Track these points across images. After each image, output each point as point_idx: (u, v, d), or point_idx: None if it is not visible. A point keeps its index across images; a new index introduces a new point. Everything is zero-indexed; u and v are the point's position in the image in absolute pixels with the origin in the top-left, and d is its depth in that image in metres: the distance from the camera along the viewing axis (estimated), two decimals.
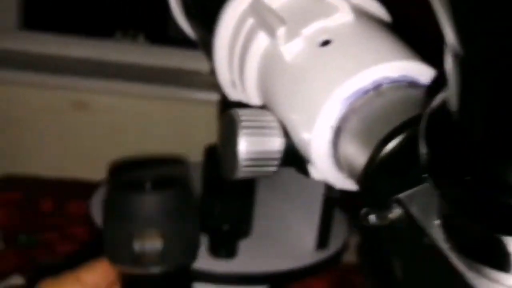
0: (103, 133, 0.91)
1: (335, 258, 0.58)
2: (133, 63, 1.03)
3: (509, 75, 0.13)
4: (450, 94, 0.15)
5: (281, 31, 0.28)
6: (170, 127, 0.93)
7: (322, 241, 0.56)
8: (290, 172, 0.63)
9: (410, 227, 0.19)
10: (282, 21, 0.28)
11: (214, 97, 0.93)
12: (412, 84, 0.26)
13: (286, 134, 0.28)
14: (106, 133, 0.92)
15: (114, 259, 0.36)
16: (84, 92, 0.90)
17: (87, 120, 0.91)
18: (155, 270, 0.35)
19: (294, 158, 0.29)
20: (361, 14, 0.29)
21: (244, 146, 0.27)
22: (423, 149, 0.17)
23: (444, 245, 0.17)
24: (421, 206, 0.19)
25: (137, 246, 0.35)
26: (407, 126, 0.22)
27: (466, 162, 0.15)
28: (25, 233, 0.63)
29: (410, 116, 0.23)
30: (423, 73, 0.26)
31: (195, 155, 0.65)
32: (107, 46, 1.05)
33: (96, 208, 0.59)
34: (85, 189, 0.67)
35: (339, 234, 0.60)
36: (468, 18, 0.14)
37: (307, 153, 0.27)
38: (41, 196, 0.74)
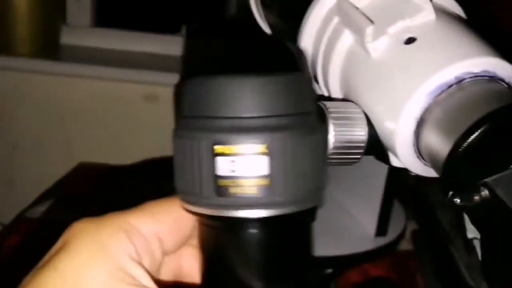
0: (171, 124, 0.96)
1: (393, 245, 0.60)
2: None
3: None
4: None
5: (369, 30, 0.30)
6: None
7: (382, 228, 0.59)
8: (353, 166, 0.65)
9: (497, 207, 0.21)
10: (369, 20, 0.31)
11: None
12: (492, 78, 0.28)
13: (369, 124, 0.31)
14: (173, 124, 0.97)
15: (184, 192, 0.23)
16: (153, 85, 0.95)
17: (157, 111, 0.96)
18: (251, 209, 0.22)
19: (376, 147, 0.31)
20: (443, 12, 0.31)
21: (333, 135, 0.30)
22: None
23: None
24: (506, 189, 0.21)
25: (221, 167, 0.21)
26: (491, 117, 0.24)
27: None
28: None
29: (490, 108, 0.25)
30: (503, 68, 0.28)
31: None
32: (173, 41, 1.09)
33: None
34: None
35: (397, 223, 0.62)
36: None
37: (390, 142, 0.30)
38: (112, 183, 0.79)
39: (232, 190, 0.21)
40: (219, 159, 0.21)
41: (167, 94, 0.96)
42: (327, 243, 0.57)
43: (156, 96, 0.96)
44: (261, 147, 0.21)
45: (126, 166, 0.90)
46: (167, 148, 0.94)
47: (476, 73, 0.27)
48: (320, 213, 0.60)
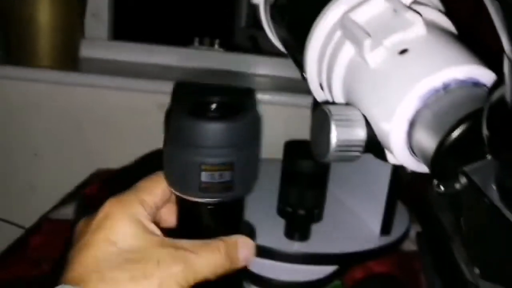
0: None
1: (397, 244, 0.63)
2: (208, 67, 1.12)
3: None
4: (506, 89, 0.21)
5: (367, 42, 0.34)
6: None
7: (386, 227, 0.62)
8: (359, 166, 0.69)
9: (473, 192, 0.25)
10: (367, 34, 0.35)
11: (284, 98, 1.00)
12: (475, 84, 0.31)
13: (368, 125, 0.35)
14: None
15: (176, 185, 0.36)
16: (167, 95, 1.00)
17: None
18: (219, 198, 0.35)
19: (374, 146, 0.35)
20: (433, 26, 0.35)
21: (335, 134, 0.34)
22: (485, 130, 0.23)
23: (499, 204, 0.23)
24: (482, 176, 0.25)
25: (205, 177, 0.34)
26: (471, 116, 0.28)
27: None
28: None
29: (473, 109, 0.29)
30: (485, 75, 0.32)
31: (271, 153, 0.73)
32: (186, 53, 1.14)
33: None
34: None
35: (401, 223, 0.66)
36: None
37: (386, 141, 0.33)
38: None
39: (209, 189, 0.36)
40: (203, 173, 0.35)
41: None
42: (334, 241, 0.61)
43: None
44: (228, 167, 0.35)
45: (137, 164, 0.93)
46: None
47: (461, 79, 0.31)
48: (327, 213, 0.64)
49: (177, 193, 0.37)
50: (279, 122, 0.99)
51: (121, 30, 1.15)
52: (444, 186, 0.26)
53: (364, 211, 0.65)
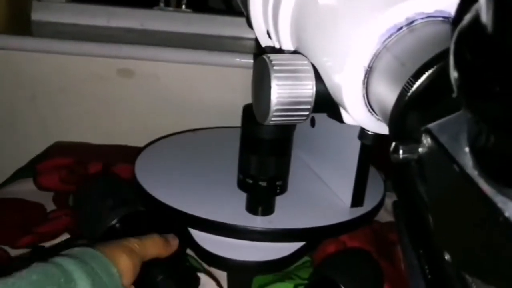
0: (147, 99, 0.94)
1: (370, 216, 0.58)
2: (175, 31, 1.04)
3: None
4: (481, 5, 0.15)
5: None
6: (212, 92, 0.94)
7: (358, 199, 0.56)
8: (326, 130, 0.62)
9: (440, 156, 0.18)
10: None
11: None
12: (448, 19, 0.25)
13: (318, 77, 0.28)
14: (150, 99, 0.94)
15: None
16: (129, 60, 0.92)
17: (132, 86, 0.93)
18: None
19: (326, 103, 0.28)
20: None
21: (276, 91, 0.27)
22: (453, 71, 0.16)
23: (473, 171, 0.17)
24: (451, 135, 0.18)
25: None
26: (438, 60, 0.22)
27: (501, 75, 0.14)
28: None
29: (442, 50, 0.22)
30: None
31: (235, 119, 0.66)
32: (149, 15, 1.06)
33: (141, 171, 0.61)
34: (132, 154, 0.69)
35: (375, 192, 0.60)
36: None
37: (339, 95, 0.27)
38: (89, 160, 0.77)
39: None
40: None
41: (142, 69, 0.93)
42: (302, 214, 0.55)
43: (131, 71, 0.93)
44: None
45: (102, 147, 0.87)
46: (141, 124, 0.91)
47: (429, 13, 0.25)
48: (295, 184, 0.58)
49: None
50: (246, 86, 0.92)
51: None
52: (403, 150, 0.20)
53: (333, 181, 0.59)
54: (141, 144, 0.75)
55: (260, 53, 0.30)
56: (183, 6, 1.11)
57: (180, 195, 0.55)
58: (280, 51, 0.32)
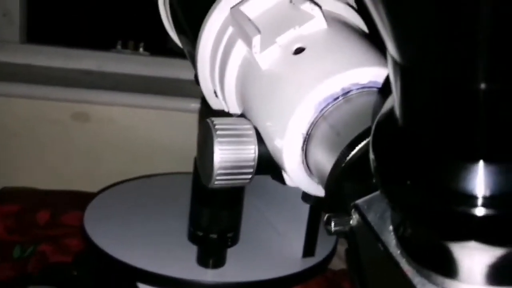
0: (102, 144, 0.92)
1: (323, 265, 0.58)
2: (133, 73, 1.04)
3: (445, 81, 0.14)
4: (395, 100, 0.15)
5: (256, 40, 0.28)
6: (169, 137, 0.93)
7: (310, 249, 0.56)
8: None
9: (367, 233, 0.19)
10: (257, 30, 0.29)
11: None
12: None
13: (261, 141, 0.29)
14: (105, 144, 0.93)
15: None
16: (84, 104, 0.91)
17: (88, 131, 0.92)
18: None
19: (269, 166, 0.29)
20: (335, 21, 0.29)
21: (219, 155, 0.27)
22: (372, 157, 0.17)
23: (395, 250, 0.17)
24: (377, 213, 0.19)
25: None
26: (370, 133, 0.22)
27: (412, 168, 0.15)
28: (21, 245, 0.63)
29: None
30: None
31: (192, 164, 0.66)
32: (107, 57, 1.06)
33: (90, 220, 0.59)
34: (84, 200, 0.67)
35: (327, 241, 0.60)
36: (405, 32, 0.14)
37: (281, 159, 0.27)
38: (38, 208, 0.74)
39: None
40: None
41: (97, 113, 0.92)
42: (253, 266, 0.54)
43: (87, 115, 0.92)
44: None
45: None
46: (95, 169, 0.88)
47: (364, 84, 0.26)
48: (248, 233, 0.58)
49: None
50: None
51: (35, 33, 1.05)
52: (335, 223, 0.20)
53: (286, 230, 0.59)
54: (96, 189, 0.74)
55: (206, 111, 0.31)
56: (141, 49, 1.12)
57: (130, 248, 0.54)
58: (227, 114, 0.33)
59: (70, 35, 1.09)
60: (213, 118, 0.29)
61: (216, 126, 0.28)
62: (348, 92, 0.25)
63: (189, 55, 0.43)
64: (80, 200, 0.71)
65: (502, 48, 0.12)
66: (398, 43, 0.14)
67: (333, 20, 0.29)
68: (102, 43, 1.07)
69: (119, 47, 1.10)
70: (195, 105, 0.92)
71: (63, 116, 0.91)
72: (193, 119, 0.92)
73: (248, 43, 0.29)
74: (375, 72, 0.26)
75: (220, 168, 0.28)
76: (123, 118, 0.92)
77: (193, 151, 0.74)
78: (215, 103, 0.36)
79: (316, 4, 0.29)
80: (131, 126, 0.92)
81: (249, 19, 0.30)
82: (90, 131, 0.91)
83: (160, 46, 1.24)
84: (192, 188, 0.54)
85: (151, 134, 0.92)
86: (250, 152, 0.28)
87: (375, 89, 0.26)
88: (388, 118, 0.16)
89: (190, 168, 0.79)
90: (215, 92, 0.35)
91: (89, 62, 1.03)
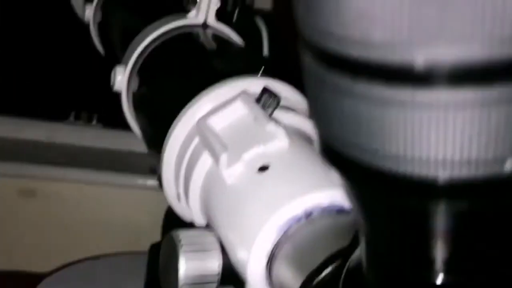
0: (50, 221, 0.89)
1: None
2: (85, 145, 1.03)
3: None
4: (362, 257, 0.17)
5: (223, 158, 0.30)
6: (120, 214, 0.92)
7: None
8: None
9: None
10: (224, 147, 0.30)
11: None
12: (340, 211, 0.28)
13: (225, 254, 0.30)
14: (54, 221, 0.90)
15: None
16: (31, 179, 0.89)
17: (34, 207, 0.89)
18: None
19: (232, 278, 0.30)
20: (296, 138, 0.31)
21: (184, 270, 0.28)
22: None
23: None
24: None
25: None
26: (334, 259, 0.24)
27: None
28: None
29: (337, 245, 0.25)
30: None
31: (144, 242, 0.65)
32: (59, 129, 1.04)
33: None
34: (31, 282, 0.64)
35: None
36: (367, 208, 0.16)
37: (244, 274, 0.28)
38: None
39: None
40: None
41: (45, 189, 0.90)
42: None
43: (34, 191, 0.89)
44: None
45: None
46: (43, 248, 0.85)
47: (324, 205, 0.27)
48: None
49: None
50: (155, 208, 0.92)
51: None
52: None
53: None
54: (44, 269, 0.71)
55: (170, 225, 0.31)
56: (94, 121, 1.11)
57: None
58: (189, 225, 0.34)
59: (22, 105, 1.07)
60: (178, 232, 0.30)
61: (182, 241, 0.29)
62: (310, 213, 0.27)
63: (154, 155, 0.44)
64: (28, 282, 0.68)
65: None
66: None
67: (296, 136, 0.31)
68: (55, 113, 1.06)
69: (71, 118, 1.09)
70: (149, 181, 0.92)
71: (8, 193, 0.88)
72: (145, 196, 0.91)
73: (216, 159, 0.31)
74: (334, 194, 0.28)
75: (186, 278, 0.28)
76: (72, 194, 0.90)
77: (145, 229, 0.73)
78: (177, 207, 0.37)
79: (278, 122, 0.31)
80: (80, 202, 0.90)
81: (216, 134, 0.32)
82: (37, 208, 0.88)
83: (114, 118, 1.24)
84: (146, 279, 0.53)
85: (101, 211, 0.91)
86: (214, 265, 0.29)
87: (334, 210, 0.27)
88: (356, 267, 0.18)
89: (141, 247, 0.78)
90: (178, 196, 0.36)
91: (39, 133, 1.01)
